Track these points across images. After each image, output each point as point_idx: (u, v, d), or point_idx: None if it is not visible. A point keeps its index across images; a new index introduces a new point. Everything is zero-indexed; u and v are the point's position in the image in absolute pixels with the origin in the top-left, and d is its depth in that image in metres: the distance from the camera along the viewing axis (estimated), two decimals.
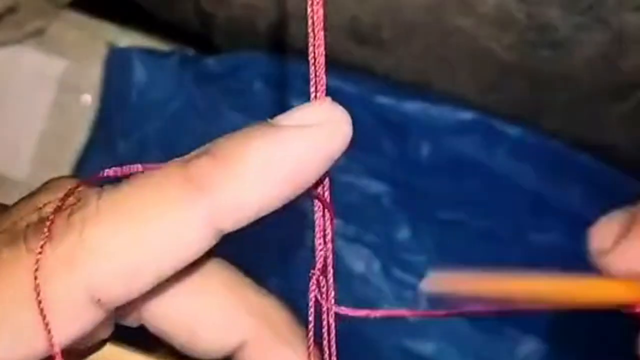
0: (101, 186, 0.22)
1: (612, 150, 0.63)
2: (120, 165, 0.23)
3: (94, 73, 0.69)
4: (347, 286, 0.61)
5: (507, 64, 0.58)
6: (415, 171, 0.64)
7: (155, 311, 0.24)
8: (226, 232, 0.22)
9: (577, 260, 0.25)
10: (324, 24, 0.22)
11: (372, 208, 0.64)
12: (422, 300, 0.62)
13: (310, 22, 0.22)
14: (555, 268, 0.23)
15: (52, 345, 0.21)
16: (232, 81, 0.66)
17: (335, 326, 0.24)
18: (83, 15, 0.70)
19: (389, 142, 0.64)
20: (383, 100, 0.64)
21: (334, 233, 0.24)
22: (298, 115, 0.22)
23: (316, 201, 0.23)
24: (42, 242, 0.21)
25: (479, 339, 0.61)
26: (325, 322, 0.23)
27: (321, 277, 0.24)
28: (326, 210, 0.23)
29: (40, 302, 0.20)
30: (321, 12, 0.22)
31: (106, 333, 0.24)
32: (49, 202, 0.22)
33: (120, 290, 0.21)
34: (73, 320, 0.21)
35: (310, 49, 0.22)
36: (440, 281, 0.22)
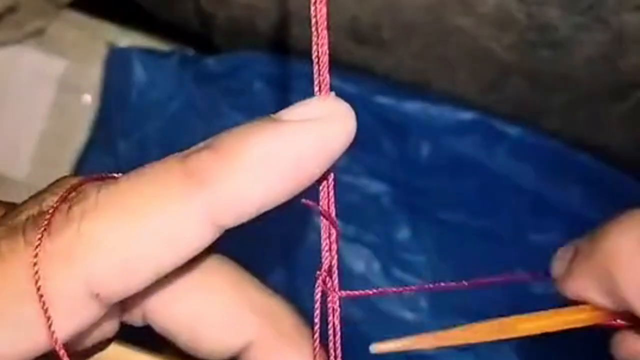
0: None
1: (612, 150, 0.63)
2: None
3: (94, 73, 0.69)
4: (348, 286, 0.61)
5: (507, 64, 0.58)
6: (415, 171, 0.64)
7: (158, 309, 0.24)
8: (227, 227, 0.21)
9: None
10: (327, 23, 0.22)
11: (372, 208, 0.64)
12: (421, 300, 0.62)
13: (313, 21, 0.22)
14: None
15: (53, 340, 0.20)
16: (232, 81, 0.66)
17: (341, 328, 0.24)
18: (83, 15, 0.70)
19: (389, 142, 0.64)
20: (383, 100, 0.64)
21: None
22: (300, 110, 0.22)
23: (322, 220, 0.23)
24: (40, 235, 0.20)
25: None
26: (330, 319, 0.23)
27: (327, 278, 0.24)
28: (332, 227, 0.23)
29: (41, 296, 0.20)
30: (324, 11, 0.22)
31: (111, 332, 0.24)
32: (50, 197, 0.22)
33: (118, 284, 0.21)
34: (72, 315, 0.21)
35: (314, 47, 0.22)
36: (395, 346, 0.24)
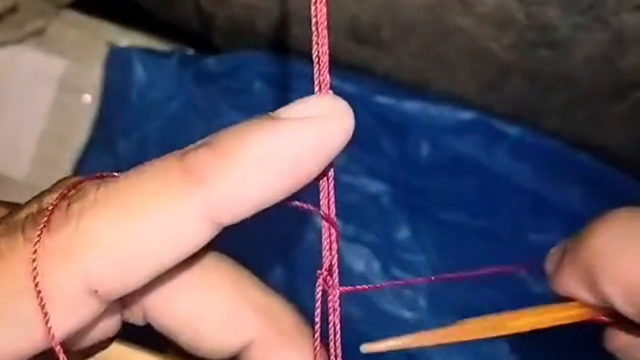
0: None
1: (612, 150, 0.63)
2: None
3: (94, 73, 0.69)
4: (347, 286, 0.61)
5: (507, 64, 0.58)
6: (415, 171, 0.64)
7: (158, 307, 0.24)
8: (226, 225, 0.21)
9: None
10: (328, 23, 0.22)
11: (372, 208, 0.64)
12: (421, 300, 0.62)
13: (314, 21, 0.22)
14: None
15: (51, 338, 0.20)
16: (232, 81, 0.66)
17: (341, 327, 0.24)
18: (83, 15, 0.70)
19: (389, 142, 0.64)
20: (383, 100, 0.64)
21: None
22: (299, 108, 0.22)
23: (323, 220, 0.23)
24: (39, 232, 0.20)
25: (479, 340, 0.61)
26: (331, 319, 0.23)
27: (328, 278, 0.24)
28: (332, 228, 0.23)
29: (40, 292, 0.20)
30: (325, 10, 0.22)
31: (112, 331, 0.24)
32: (50, 196, 0.22)
33: (117, 281, 0.21)
34: (71, 312, 0.21)
35: (314, 47, 0.22)
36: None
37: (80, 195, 0.21)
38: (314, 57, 0.22)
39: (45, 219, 0.21)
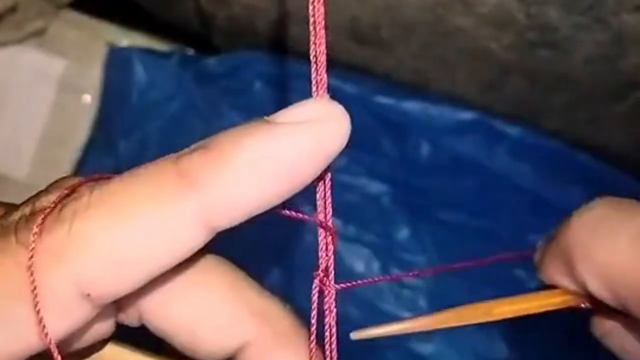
0: None
1: (612, 150, 0.63)
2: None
3: (94, 73, 0.69)
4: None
5: (507, 64, 0.58)
6: (415, 171, 0.64)
7: (154, 310, 0.23)
8: (220, 229, 0.21)
9: None
10: (325, 23, 0.22)
11: (372, 208, 0.64)
12: (420, 300, 0.62)
13: (311, 20, 0.22)
14: None
15: (46, 339, 0.20)
16: (232, 81, 0.66)
17: (338, 328, 0.24)
18: (83, 15, 0.70)
19: (389, 142, 0.64)
20: (383, 100, 0.64)
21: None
22: (295, 112, 0.22)
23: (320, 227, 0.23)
24: (31, 235, 0.20)
25: (478, 340, 0.61)
26: (327, 320, 0.23)
27: (325, 279, 0.24)
28: (329, 234, 0.23)
29: (35, 295, 0.20)
30: (322, 10, 0.22)
31: (107, 332, 0.24)
32: (45, 197, 0.22)
33: (110, 285, 0.21)
34: (64, 315, 0.21)
35: (312, 47, 0.22)
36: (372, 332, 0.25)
37: (73, 198, 0.21)
38: (311, 56, 0.22)
39: (38, 221, 0.21)
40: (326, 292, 0.24)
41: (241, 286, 0.24)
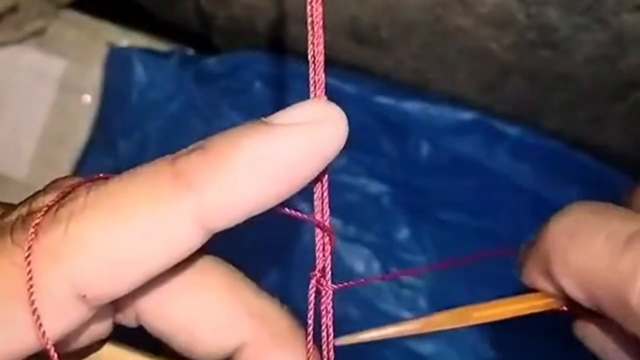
0: None
1: (611, 150, 0.63)
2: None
3: (94, 73, 0.69)
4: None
5: (507, 64, 0.58)
6: (415, 171, 0.64)
7: (151, 310, 0.23)
8: (217, 230, 0.21)
9: None
10: (323, 22, 0.22)
11: (372, 208, 0.64)
12: (420, 300, 0.62)
13: (309, 20, 0.22)
14: None
15: (43, 340, 0.20)
16: (232, 81, 0.66)
17: (335, 328, 0.24)
18: (83, 15, 0.70)
19: (389, 142, 0.64)
20: (383, 100, 0.64)
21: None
22: (293, 114, 0.22)
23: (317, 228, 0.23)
24: (28, 236, 0.20)
25: (479, 340, 0.61)
26: (324, 321, 0.23)
27: (321, 279, 0.24)
28: (326, 234, 0.23)
29: (32, 296, 0.20)
30: (320, 10, 0.22)
31: (105, 333, 0.24)
32: (42, 197, 0.22)
33: (106, 286, 0.21)
34: (60, 316, 0.21)
35: (310, 47, 0.22)
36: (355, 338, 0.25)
37: (69, 199, 0.21)
38: (309, 56, 0.22)
39: (34, 222, 0.21)
40: (323, 292, 0.24)
41: (239, 287, 0.24)
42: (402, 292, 0.62)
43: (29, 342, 0.21)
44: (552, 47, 0.55)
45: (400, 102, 0.64)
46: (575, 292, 0.25)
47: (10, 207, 0.23)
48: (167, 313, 0.23)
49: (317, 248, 0.24)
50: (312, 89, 0.23)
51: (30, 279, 0.20)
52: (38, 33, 0.69)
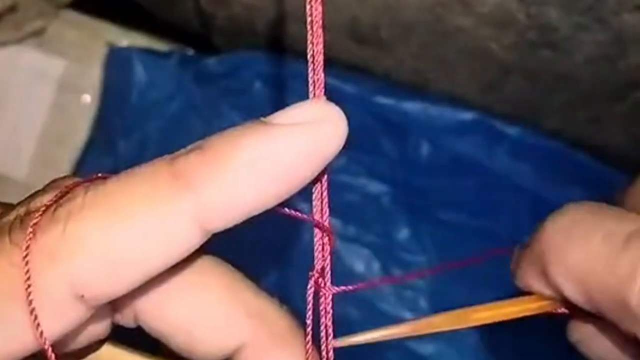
0: None
1: (611, 150, 0.63)
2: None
3: (94, 73, 0.69)
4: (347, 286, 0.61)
5: (507, 64, 0.58)
6: (415, 171, 0.64)
7: (150, 311, 0.23)
8: (216, 230, 0.21)
9: None
10: (323, 22, 0.22)
11: (371, 208, 0.64)
12: (421, 300, 0.62)
13: (309, 19, 0.22)
14: None
15: (41, 340, 0.20)
16: (232, 81, 0.66)
17: (334, 329, 0.24)
18: (83, 15, 0.70)
19: (388, 142, 0.64)
20: (383, 100, 0.64)
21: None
22: (292, 114, 0.22)
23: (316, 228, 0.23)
24: (25, 236, 0.20)
25: (479, 340, 0.61)
26: (323, 310, 0.23)
27: (320, 280, 0.24)
28: (325, 234, 0.23)
29: (30, 295, 0.20)
30: (320, 9, 0.22)
31: (103, 333, 0.24)
32: (40, 197, 0.22)
33: (103, 286, 0.21)
34: (58, 316, 0.21)
35: (309, 46, 0.22)
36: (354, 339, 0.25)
37: (67, 198, 0.21)
38: (308, 55, 0.22)
39: (32, 222, 0.21)
40: (321, 293, 0.24)
41: (238, 287, 0.24)
42: (403, 292, 0.62)
43: (27, 342, 0.20)
44: (552, 47, 0.55)
45: (400, 102, 0.64)
46: (573, 294, 0.24)
47: (9, 207, 0.23)
48: (165, 313, 0.23)
49: (315, 248, 0.23)
50: (311, 88, 0.22)
51: (28, 279, 0.20)
52: (38, 33, 0.69)
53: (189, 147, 0.21)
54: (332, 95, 0.23)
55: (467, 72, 0.61)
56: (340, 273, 0.58)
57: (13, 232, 0.21)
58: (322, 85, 0.22)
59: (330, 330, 0.24)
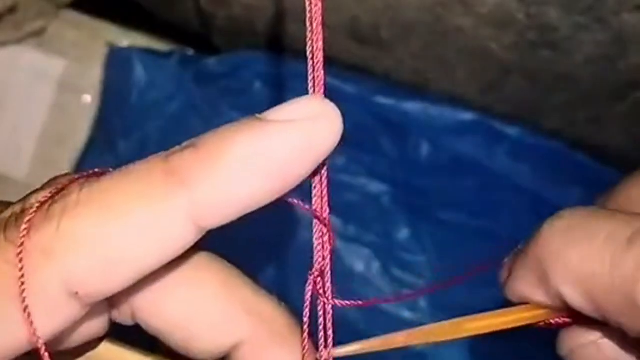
0: None
1: (611, 150, 0.63)
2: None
3: (94, 73, 0.69)
4: (346, 286, 0.61)
5: (507, 64, 0.58)
6: (415, 171, 0.64)
7: (147, 308, 0.23)
8: (211, 227, 0.21)
9: None
10: (323, 20, 0.22)
11: (371, 208, 0.64)
12: (421, 300, 0.62)
13: (308, 16, 0.22)
14: None
15: (35, 338, 0.20)
16: (232, 81, 0.66)
17: (333, 322, 0.24)
18: (83, 15, 0.70)
19: (388, 142, 0.64)
20: (383, 100, 0.64)
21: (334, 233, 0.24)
22: (287, 110, 0.22)
23: (315, 221, 0.23)
24: (19, 233, 0.20)
25: (479, 340, 0.61)
26: (322, 319, 0.23)
27: (319, 279, 0.23)
28: (325, 228, 0.23)
29: (23, 292, 0.20)
30: (319, 5, 0.22)
31: (101, 331, 0.24)
32: (36, 195, 0.22)
33: (98, 284, 0.20)
34: (52, 313, 0.20)
35: (309, 44, 0.22)
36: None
37: (62, 195, 0.21)
38: (308, 53, 0.22)
39: (27, 218, 0.20)
40: (321, 300, 0.23)
41: (235, 284, 0.24)
42: (403, 293, 0.62)
43: (21, 340, 0.20)
44: (552, 47, 0.55)
45: (400, 102, 0.64)
46: (576, 298, 0.24)
47: (7, 205, 0.23)
48: (162, 310, 0.23)
49: (315, 247, 0.23)
50: (310, 85, 0.22)
51: (22, 276, 0.20)
52: (38, 33, 0.69)
53: (183, 144, 0.21)
54: (332, 95, 0.23)
55: (467, 72, 0.61)
56: (340, 273, 0.57)
57: (8, 230, 0.21)
58: (322, 82, 0.22)
59: (330, 332, 0.23)
